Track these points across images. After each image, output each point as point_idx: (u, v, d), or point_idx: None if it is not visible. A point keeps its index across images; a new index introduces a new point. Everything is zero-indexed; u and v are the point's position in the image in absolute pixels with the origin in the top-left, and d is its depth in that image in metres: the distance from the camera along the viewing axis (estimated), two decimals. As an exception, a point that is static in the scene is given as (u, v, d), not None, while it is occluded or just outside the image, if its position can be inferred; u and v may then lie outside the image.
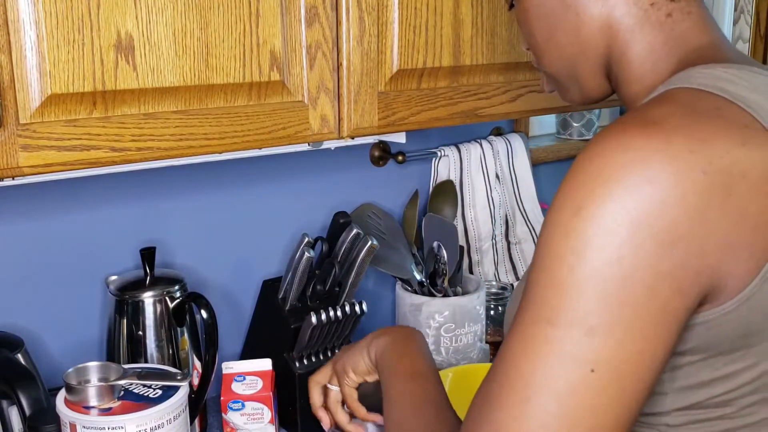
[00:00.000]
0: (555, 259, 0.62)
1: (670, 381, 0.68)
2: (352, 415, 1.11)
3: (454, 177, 1.68)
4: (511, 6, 0.88)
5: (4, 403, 1.06)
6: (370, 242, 1.31)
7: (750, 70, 0.69)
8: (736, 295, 0.63)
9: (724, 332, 0.65)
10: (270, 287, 1.39)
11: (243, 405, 1.24)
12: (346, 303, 1.31)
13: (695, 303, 0.62)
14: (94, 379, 1.05)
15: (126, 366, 1.09)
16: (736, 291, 0.63)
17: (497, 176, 1.75)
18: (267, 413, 1.25)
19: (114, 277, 1.27)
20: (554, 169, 1.97)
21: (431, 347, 1.53)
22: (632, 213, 0.59)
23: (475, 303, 1.50)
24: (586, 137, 2.02)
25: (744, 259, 0.62)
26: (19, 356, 1.11)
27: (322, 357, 1.34)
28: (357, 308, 1.31)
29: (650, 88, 0.75)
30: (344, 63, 1.04)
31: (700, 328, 0.64)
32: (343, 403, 1.11)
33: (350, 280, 1.33)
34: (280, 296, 1.35)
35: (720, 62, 0.70)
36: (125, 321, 1.23)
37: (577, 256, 0.60)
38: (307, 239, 1.32)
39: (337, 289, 1.36)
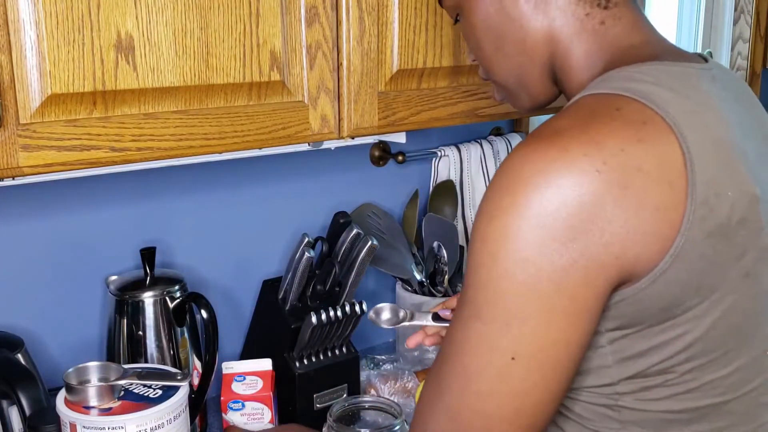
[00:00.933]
0: (476, 262, 0.71)
1: (612, 354, 0.75)
2: None
3: (454, 177, 1.68)
4: (456, 20, 0.94)
5: (4, 403, 1.06)
6: (370, 242, 1.31)
7: (662, 65, 0.76)
8: (648, 273, 0.69)
9: (646, 306, 0.71)
10: (270, 287, 1.39)
11: (243, 405, 1.24)
12: (346, 303, 1.31)
13: (607, 289, 0.70)
14: (94, 379, 1.05)
15: (126, 366, 1.09)
16: (648, 270, 0.69)
17: (497, 176, 1.75)
18: (267, 413, 1.25)
19: (114, 277, 1.27)
20: (554, 169, 1.97)
21: (431, 347, 1.53)
22: (534, 218, 0.67)
23: (475, 303, 1.49)
24: (586, 137, 2.02)
25: (650, 243, 0.68)
26: (19, 356, 1.11)
27: (322, 357, 1.34)
28: (357, 308, 1.31)
29: (584, 87, 0.81)
30: (344, 63, 1.04)
31: (621, 305, 0.72)
32: None
33: (350, 280, 1.33)
34: (280, 296, 1.35)
35: (646, 58, 0.78)
36: (125, 321, 1.23)
37: (493, 258, 0.69)
38: (307, 239, 1.32)
39: (337, 289, 1.36)
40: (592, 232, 0.67)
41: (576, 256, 0.67)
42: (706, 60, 0.83)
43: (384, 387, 1.42)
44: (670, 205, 0.68)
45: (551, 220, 0.67)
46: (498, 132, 1.80)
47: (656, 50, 0.81)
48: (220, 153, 0.98)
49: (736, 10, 2.19)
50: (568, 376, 0.72)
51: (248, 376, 1.26)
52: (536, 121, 2.00)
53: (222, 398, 1.24)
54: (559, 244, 0.67)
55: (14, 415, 1.06)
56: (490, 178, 1.72)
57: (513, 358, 0.70)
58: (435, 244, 1.54)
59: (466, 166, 1.69)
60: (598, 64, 0.82)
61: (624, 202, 0.67)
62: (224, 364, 1.28)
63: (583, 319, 0.69)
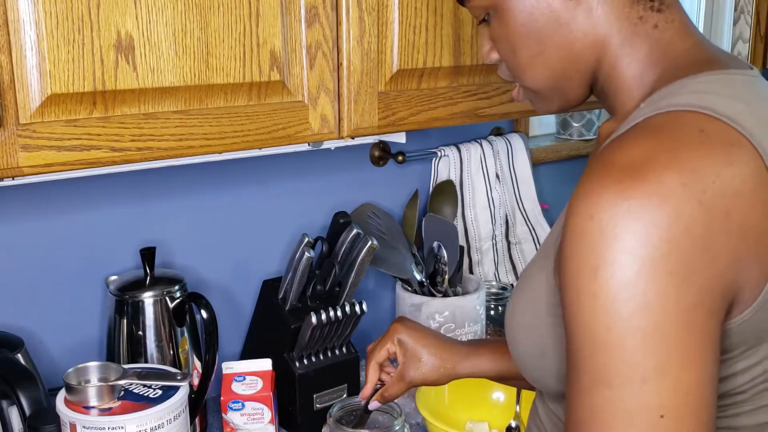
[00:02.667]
0: (590, 323, 0.63)
1: None
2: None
3: (454, 177, 1.68)
4: (482, 21, 0.86)
5: (4, 403, 1.06)
6: (370, 242, 1.31)
7: (725, 74, 0.72)
8: (752, 302, 0.66)
9: (744, 335, 0.68)
10: (270, 287, 1.39)
11: (243, 405, 1.24)
12: (346, 303, 1.31)
13: (723, 318, 0.65)
14: (94, 379, 1.05)
15: (126, 366, 1.09)
16: (753, 298, 0.66)
17: (497, 176, 1.75)
18: (267, 413, 1.25)
19: (114, 277, 1.27)
20: (554, 169, 1.97)
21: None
22: (645, 259, 0.61)
23: (475, 303, 1.50)
24: (586, 137, 2.02)
25: (754, 269, 0.65)
26: (19, 356, 1.11)
27: (322, 357, 1.34)
28: (357, 308, 1.31)
29: (636, 99, 0.77)
30: (344, 63, 1.04)
31: (727, 333, 0.67)
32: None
33: (350, 280, 1.33)
34: (280, 296, 1.35)
35: (703, 65, 0.74)
36: (125, 321, 1.23)
37: (609, 313, 0.62)
38: (307, 239, 1.32)
39: (337, 289, 1.36)
40: (707, 263, 0.62)
41: (697, 291, 0.62)
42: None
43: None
44: None
45: (664, 259, 0.61)
46: (498, 132, 1.80)
47: (710, 55, 0.77)
48: (220, 153, 0.98)
49: (736, 10, 2.19)
50: (715, 413, 0.65)
51: (248, 376, 1.26)
52: (536, 121, 2.01)
53: (222, 398, 1.24)
54: (677, 281, 0.61)
55: (14, 415, 1.06)
56: (490, 178, 1.72)
57: (662, 416, 0.61)
58: (435, 244, 1.54)
59: (466, 166, 1.69)
60: (651, 73, 0.77)
61: (729, 229, 0.63)
62: (224, 364, 1.28)
63: (715, 349, 0.64)
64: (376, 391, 1.12)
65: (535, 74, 0.82)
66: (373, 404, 1.12)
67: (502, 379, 1.11)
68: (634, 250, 0.61)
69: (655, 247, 0.61)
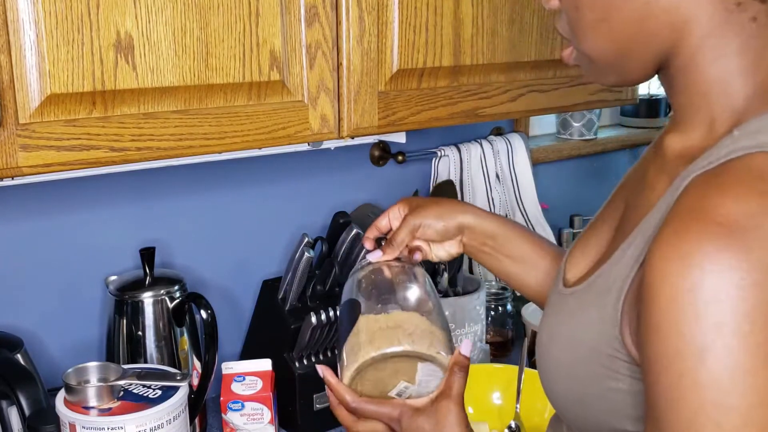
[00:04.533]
0: (694, 417, 0.54)
1: None
2: None
3: (454, 177, 1.67)
4: None
5: (4, 404, 1.06)
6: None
7: None
8: None
9: None
10: (270, 287, 1.39)
11: (243, 405, 1.24)
12: (346, 303, 1.31)
13: None
14: (93, 379, 1.05)
15: (125, 366, 1.09)
16: None
17: (497, 176, 1.75)
18: (267, 413, 1.25)
19: (114, 277, 1.27)
20: (554, 169, 1.97)
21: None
22: (762, 344, 0.52)
23: (475, 303, 1.49)
24: (587, 137, 2.02)
25: None
26: (19, 356, 1.11)
27: (321, 357, 1.34)
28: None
29: (718, 114, 0.65)
30: (344, 63, 1.04)
31: None
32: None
33: (350, 280, 1.33)
34: (280, 296, 1.35)
35: None
36: (125, 321, 1.22)
37: (719, 408, 0.53)
38: (307, 239, 1.31)
39: (337, 289, 1.36)
40: None
41: None
42: None
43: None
44: None
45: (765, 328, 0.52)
46: (498, 132, 1.80)
47: None
48: (220, 153, 0.98)
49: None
50: None
51: (248, 376, 1.26)
52: (536, 121, 2.01)
53: (221, 398, 1.24)
54: None
55: (14, 416, 1.06)
56: (490, 178, 1.72)
57: None
58: (435, 244, 1.53)
59: (466, 166, 1.69)
60: (742, 81, 0.64)
61: None
62: (224, 365, 1.28)
63: None
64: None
65: (595, 41, 0.69)
66: (374, 254, 0.98)
67: (492, 238, 1.00)
68: (748, 335, 0.52)
69: (760, 316, 0.52)
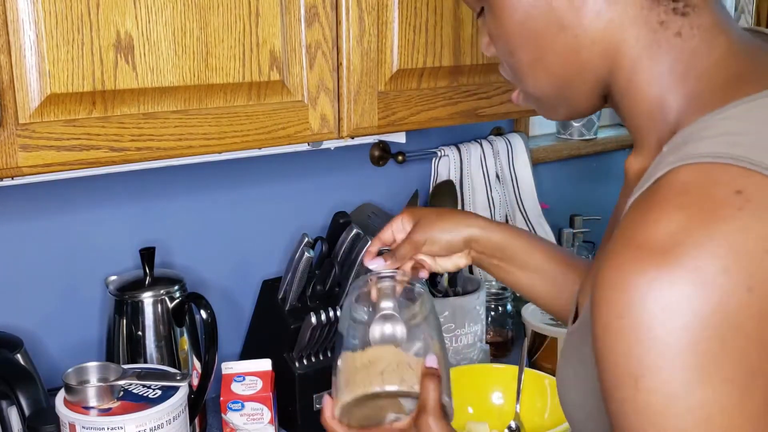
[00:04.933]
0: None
1: None
2: None
3: (454, 177, 1.67)
4: (480, 14, 0.75)
5: (4, 404, 1.06)
6: (369, 242, 1.31)
7: (765, 97, 0.59)
8: None
9: None
10: (270, 287, 1.39)
11: (243, 405, 1.24)
12: (346, 303, 1.31)
13: None
14: (93, 379, 1.05)
15: (125, 366, 1.09)
16: None
17: (497, 176, 1.75)
18: (267, 413, 1.25)
19: (114, 277, 1.27)
20: (554, 169, 1.97)
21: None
22: (693, 366, 0.51)
23: (475, 303, 1.49)
24: (587, 137, 2.02)
25: None
26: (19, 356, 1.11)
27: (321, 357, 1.34)
28: (357, 308, 1.31)
29: (660, 131, 0.66)
30: (344, 63, 1.04)
31: None
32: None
33: (350, 281, 1.33)
34: (280, 296, 1.35)
35: (740, 83, 0.61)
36: (125, 321, 1.22)
37: (659, 427, 0.53)
38: (307, 239, 1.31)
39: (337, 289, 1.36)
40: (749, 352, 0.51)
41: (763, 394, 0.52)
42: None
43: (384, 387, 1.41)
44: None
45: (717, 365, 0.51)
46: (498, 132, 1.80)
47: (743, 69, 0.63)
48: (220, 153, 0.98)
49: (736, 10, 2.19)
50: None
51: (248, 376, 1.26)
52: (536, 121, 2.00)
53: (221, 398, 1.24)
54: (738, 389, 0.51)
55: (13, 416, 1.06)
56: (491, 178, 1.72)
57: None
58: (435, 244, 1.53)
59: (466, 166, 1.69)
60: (675, 96, 0.65)
61: None
62: (224, 365, 1.28)
63: None
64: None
65: (536, 80, 0.71)
66: (375, 262, 0.95)
67: (500, 250, 0.99)
68: (678, 355, 0.51)
69: (704, 352, 0.51)
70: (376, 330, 0.88)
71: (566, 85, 0.70)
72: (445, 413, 0.83)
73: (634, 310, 0.53)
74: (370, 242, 1.00)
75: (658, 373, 0.52)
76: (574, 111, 0.74)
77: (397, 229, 0.99)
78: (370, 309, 0.90)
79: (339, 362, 0.88)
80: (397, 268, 0.95)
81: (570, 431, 0.78)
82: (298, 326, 1.29)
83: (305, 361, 1.32)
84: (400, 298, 0.91)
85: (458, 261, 1.00)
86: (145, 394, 1.04)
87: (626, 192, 0.72)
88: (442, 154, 1.66)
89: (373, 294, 0.91)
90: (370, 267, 0.95)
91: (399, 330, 0.88)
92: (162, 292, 1.23)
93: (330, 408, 0.86)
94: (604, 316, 0.55)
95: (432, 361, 0.84)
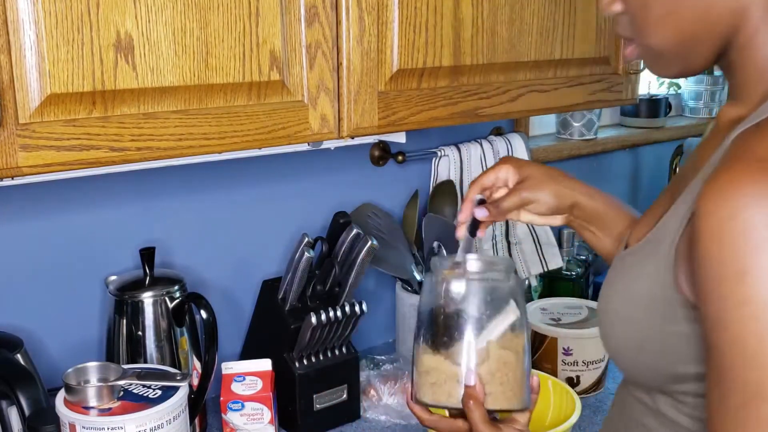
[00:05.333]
0: (739, 334, 0.60)
1: None
2: None
3: (454, 177, 1.67)
4: None
5: (4, 404, 1.06)
6: (370, 242, 1.31)
7: None
8: None
9: None
10: (270, 287, 1.39)
11: (243, 405, 1.24)
12: (346, 303, 1.31)
13: None
14: (93, 379, 1.05)
15: (125, 366, 1.09)
16: None
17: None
18: (267, 413, 1.25)
19: (114, 277, 1.27)
20: (554, 169, 1.97)
21: (431, 347, 1.53)
22: None
23: (475, 303, 1.49)
24: (587, 137, 2.02)
25: None
26: (19, 356, 1.11)
27: (322, 357, 1.34)
28: (357, 308, 1.31)
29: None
30: (344, 63, 1.04)
31: None
32: None
33: (350, 280, 1.33)
34: (280, 296, 1.35)
35: None
36: (125, 321, 1.22)
37: (762, 322, 0.59)
38: (307, 239, 1.31)
39: (337, 289, 1.36)
40: None
41: None
42: None
43: (384, 387, 1.42)
44: None
45: None
46: (498, 132, 1.80)
47: None
48: (220, 153, 0.98)
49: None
50: None
51: (248, 376, 1.26)
52: (536, 121, 2.00)
53: (221, 398, 1.24)
54: None
55: (14, 416, 1.06)
56: (490, 178, 1.72)
57: None
58: (435, 244, 1.53)
59: (466, 166, 1.69)
60: None
61: None
62: (224, 365, 1.28)
63: None
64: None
65: (663, 33, 0.76)
66: (480, 211, 0.97)
67: (598, 218, 1.03)
68: None
69: None
70: (446, 337, 0.89)
71: (692, 40, 0.75)
72: (512, 411, 0.88)
73: (746, 210, 0.59)
74: (468, 187, 1.00)
75: (763, 268, 0.58)
76: (689, 68, 0.79)
77: (502, 177, 1.01)
78: (449, 297, 0.89)
79: (413, 350, 0.92)
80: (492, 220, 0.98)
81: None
82: (298, 326, 1.29)
83: (305, 361, 1.32)
84: (481, 285, 0.90)
85: (553, 221, 1.04)
86: (145, 394, 1.04)
87: (716, 135, 0.79)
88: (442, 154, 1.66)
89: (454, 288, 0.89)
90: (477, 216, 0.96)
91: (459, 342, 0.88)
92: (162, 292, 1.23)
93: (409, 392, 0.93)
94: (712, 220, 0.61)
95: (469, 379, 0.87)
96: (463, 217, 1.00)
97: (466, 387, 0.86)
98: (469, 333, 0.87)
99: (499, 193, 1.02)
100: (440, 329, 0.89)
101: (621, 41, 1.36)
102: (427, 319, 0.90)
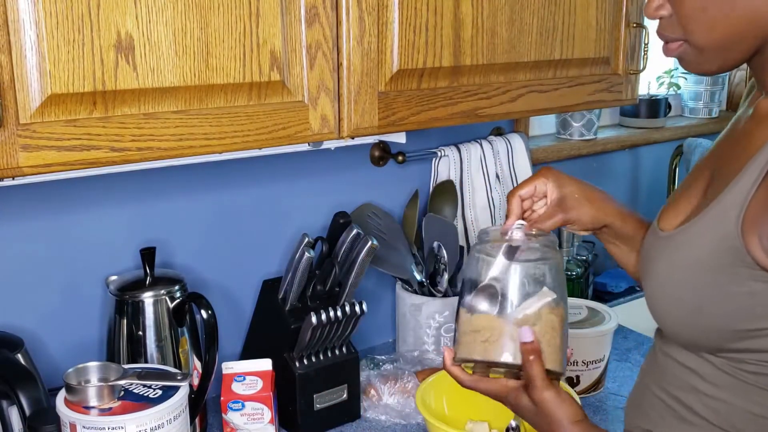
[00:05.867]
0: None
1: None
2: None
3: (454, 177, 1.68)
4: None
5: (4, 403, 1.06)
6: (370, 242, 1.31)
7: None
8: None
9: None
10: (270, 287, 1.39)
11: (243, 405, 1.24)
12: (346, 303, 1.31)
13: None
14: (94, 379, 1.05)
15: (126, 366, 1.09)
16: None
17: (497, 176, 1.75)
18: (267, 413, 1.25)
19: (114, 277, 1.27)
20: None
21: (431, 347, 1.53)
22: None
23: (475, 303, 1.49)
24: (586, 137, 2.02)
25: None
26: (19, 356, 1.11)
27: (322, 357, 1.34)
28: (357, 308, 1.31)
29: None
30: (344, 63, 1.04)
31: None
32: None
33: (350, 280, 1.33)
34: (280, 296, 1.35)
35: None
36: (125, 321, 1.23)
37: None
38: (307, 239, 1.32)
39: (337, 289, 1.36)
40: None
41: None
42: None
43: (384, 387, 1.42)
44: None
45: None
46: (498, 132, 1.80)
47: None
48: (220, 153, 0.98)
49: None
50: None
51: (248, 376, 1.26)
52: (536, 121, 2.01)
53: (222, 398, 1.24)
54: None
55: (14, 415, 1.06)
56: (490, 178, 1.72)
57: None
58: (435, 244, 1.53)
59: (466, 166, 1.69)
60: None
61: None
62: (224, 364, 1.28)
63: None
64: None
65: (715, 32, 0.82)
66: (518, 234, 0.97)
67: (629, 239, 1.07)
68: None
69: None
70: (493, 294, 0.92)
71: (739, 37, 0.82)
72: (554, 375, 0.91)
73: None
74: (507, 199, 1.02)
75: None
76: (728, 64, 0.85)
77: (540, 191, 1.03)
78: (497, 259, 0.93)
79: (457, 314, 0.95)
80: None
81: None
82: (299, 326, 1.29)
83: (305, 361, 1.32)
84: (523, 255, 0.94)
85: (581, 232, 1.07)
86: (145, 394, 1.04)
87: (758, 124, 0.85)
88: (442, 154, 1.66)
89: (500, 258, 0.93)
90: (514, 243, 0.96)
91: (506, 301, 0.92)
92: (162, 292, 1.23)
93: (450, 356, 0.95)
94: None
95: (527, 335, 0.89)
96: (506, 228, 0.99)
97: (524, 343, 0.89)
98: (526, 295, 0.91)
99: (538, 206, 1.04)
100: (494, 291, 0.92)
101: (624, 41, 1.36)
102: (479, 282, 0.93)
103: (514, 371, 0.91)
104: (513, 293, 0.91)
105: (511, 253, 0.93)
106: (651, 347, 0.99)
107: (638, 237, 1.05)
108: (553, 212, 1.01)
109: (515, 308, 0.91)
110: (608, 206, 1.05)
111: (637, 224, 1.06)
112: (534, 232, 0.96)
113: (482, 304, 0.92)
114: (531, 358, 0.88)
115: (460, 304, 0.94)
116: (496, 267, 0.92)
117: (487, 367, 0.93)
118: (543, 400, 0.89)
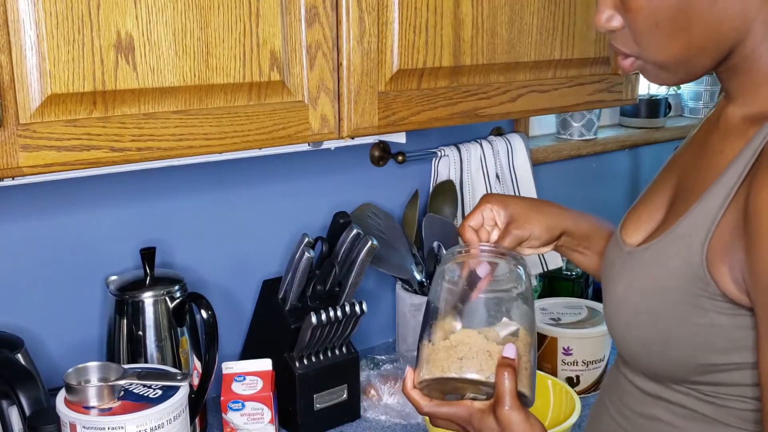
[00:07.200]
0: None
1: None
2: None
3: (454, 177, 1.68)
4: None
5: (4, 403, 1.06)
6: (370, 242, 1.31)
7: None
8: None
9: None
10: (270, 287, 1.39)
11: (243, 405, 1.24)
12: (346, 303, 1.31)
13: None
14: (94, 379, 1.05)
15: (126, 366, 1.09)
16: None
17: (497, 176, 1.75)
18: (267, 413, 1.25)
19: (114, 277, 1.27)
20: (554, 169, 1.97)
21: (431, 347, 1.53)
22: None
23: (475, 303, 1.49)
24: (586, 137, 2.02)
25: None
26: (19, 356, 1.11)
27: (322, 357, 1.34)
28: (357, 308, 1.31)
29: None
30: (344, 63, 1.04)
31: None
32: None
33: (350, 280, 1.33)
34: (280, 296, 1.35)
35: None
36: (125, 321, 1.23)
37: None
38: (307, 239, 1.32)
39: (337, 289, 1.36)
40: None
41: None
42: None
43: (384, 387, 1.42)
44: None
45: None
46: (498, 132, 1.80)
47: None
48: (220, 153, 0.98)
49: None
50: None
51: (248, 376, 1.26)
52: (536, 121, 2.01)
53: (222, 398, 1.24)
54: None
55: (14, 415, 1.06)
56: (490, 178, 1.72)
57: None
58: (435, 244, 1.54)
59: (466, 166, 1.69)
60: None
61: None
62: (224, 364, 1.28)
63: None
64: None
65: (671, 48, 0.78)
66: (482, 268, 0.93)
67: (586, 239, 1.05)
68: None
69: None
70: (469, 309, 0.88)
71: (700, 53, 0.78)
72: (524, 402, 0.85)
73: None
74: (459, 232, 0.99)
75: None
76: (691, 75, 0.81)
77: (488, 217, 1.01)
78: (462, 285, 0.90)
79: (424, 335, 0.89)
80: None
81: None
82: (299, 326, 1.29)
83: (305, 361, 1.32)
84: (492, 275, 0.91)
85: (542, 250, 1.04)
86: (145, 394, 1.04)
87: (729, 133, 0.81)
88: (442, 154, 1.66)
89: (465, 272, 0.91)
90: (480, 275, 0.93)
91: (485, 315, 0.88)
92: (162, 292, 1.23)
93: (411, 379, 0.89)
94: None
95: (510, 352, 0.85)
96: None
97: (504, 358, 0.84)
98: (508, 312, 0.88)
99: (492, 235, 1.01)
100: (472, 306, 0.88)
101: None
102: (458, 296, 0.89)
103: (482, 394, 0.86)
104: (478, 322, 0.88)
105: (475, 281, 0.90)
106: (615, 360, 0.94)
107: (596, 237, 1.03)
108: (507, 231, 0.99)
109: (492, 324, 0.87)
110: (557, 211, 1.03)
111: (591, 223, 1.04)
112: (503, 250, 0.94)
113: (467, 316, 0.88)
114: (506, 373, 0.82)
115: (428, 322, 0.89)
116: (461, 297, 0.89)
117: (450, 390, 0.88)
118: (510, 421, 0.82)
